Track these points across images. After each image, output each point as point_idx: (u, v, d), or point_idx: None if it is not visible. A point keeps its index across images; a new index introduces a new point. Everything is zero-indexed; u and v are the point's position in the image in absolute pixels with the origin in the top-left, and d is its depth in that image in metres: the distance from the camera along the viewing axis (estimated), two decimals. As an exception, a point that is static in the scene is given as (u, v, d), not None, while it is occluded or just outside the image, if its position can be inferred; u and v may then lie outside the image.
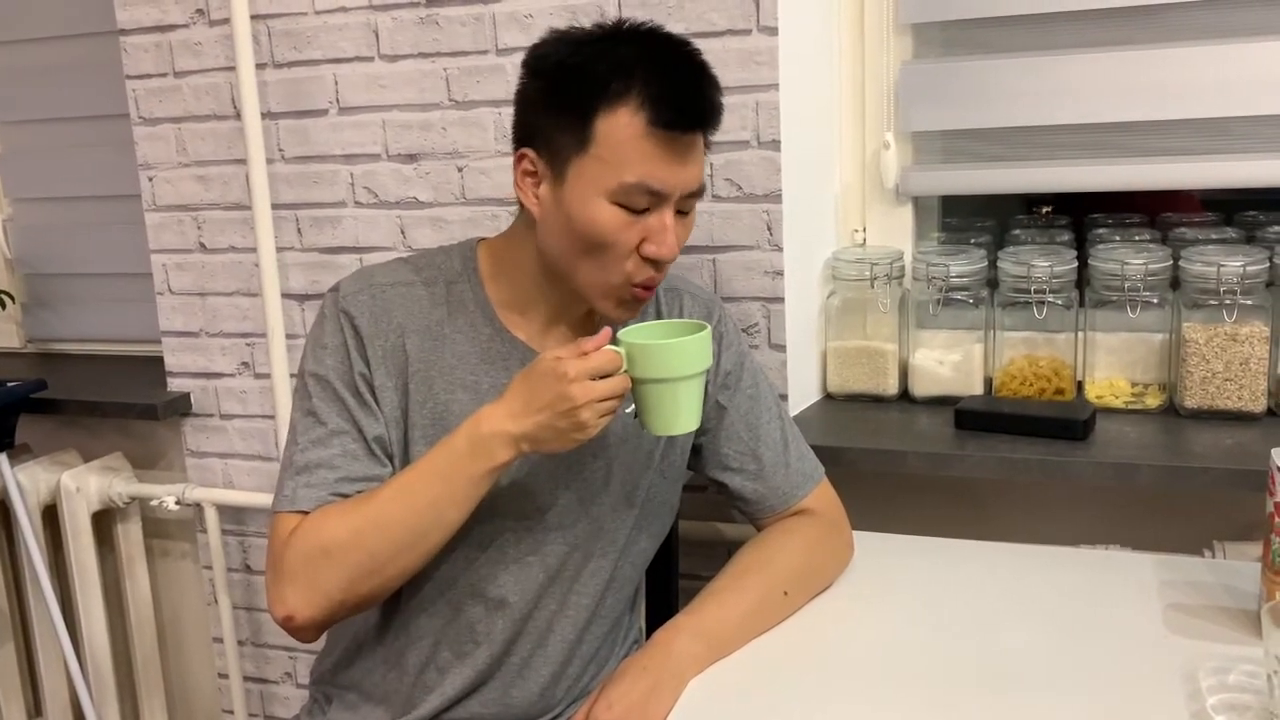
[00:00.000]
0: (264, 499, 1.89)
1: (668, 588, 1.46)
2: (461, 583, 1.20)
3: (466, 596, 1.20)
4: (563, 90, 1.09)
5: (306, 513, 1.12)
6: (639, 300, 1.14)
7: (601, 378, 1.03)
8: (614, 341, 1.06)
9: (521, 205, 1.16)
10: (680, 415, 1.08)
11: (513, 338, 1.19)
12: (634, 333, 1.09)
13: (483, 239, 1.25)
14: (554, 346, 1.20)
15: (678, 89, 1.08)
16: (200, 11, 1.77)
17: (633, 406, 1.24)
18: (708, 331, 1.07)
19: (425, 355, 1.17)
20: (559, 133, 1.09)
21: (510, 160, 1.16)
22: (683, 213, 1.13)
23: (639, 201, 1.08)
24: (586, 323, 1.23)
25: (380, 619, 1.23)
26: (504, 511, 1.19)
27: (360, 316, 1.16)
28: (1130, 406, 1.55)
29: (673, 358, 1.05)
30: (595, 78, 1.07)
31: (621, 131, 1.06)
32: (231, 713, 2.02)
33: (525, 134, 1.13)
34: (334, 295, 1.19)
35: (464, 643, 1.21)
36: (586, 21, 1.15)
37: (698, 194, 1.13)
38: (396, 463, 1.17)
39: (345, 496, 1.13)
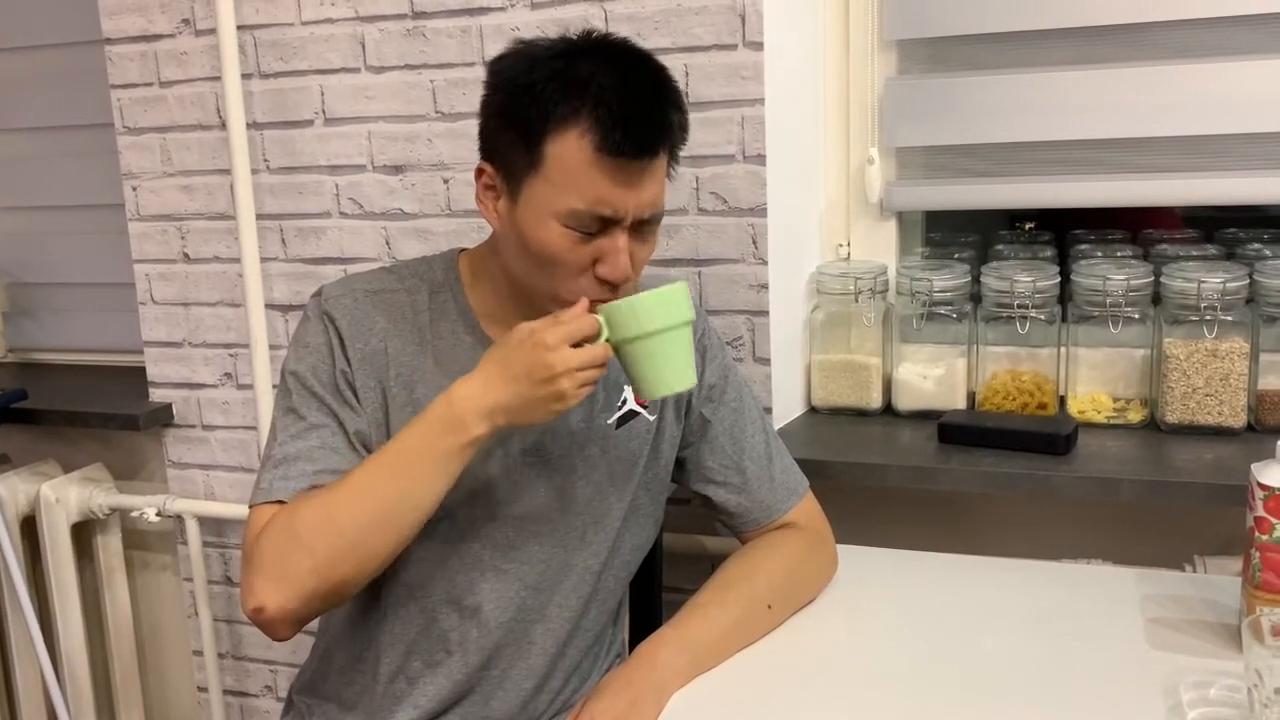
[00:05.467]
0: (245, 511, 1.87)
1: (651, 601, 1.45)
2: (437, 590, 1.19)
3: (441, 604, 1.19)
4: (515, 110, 1.07)
5: (283, 503, 1.10)
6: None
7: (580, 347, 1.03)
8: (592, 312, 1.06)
9: None
10: (667, 371, 1.05)
11: None
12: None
13: (464, 249, 1.25)
14: None
15: (628, 114, 1.04)
16: (186, 21, 1.77)
17: (615, 416, 1.24)
18: (683, 284, 1.06)
19: (408, 359, 1.17)
20: (512, 151, 1.08)
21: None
22: (642, 234, 1.11)
23: (590, 225, 1.07)
24: None
25: (354, 626, 1.23)
26: (483, 518, 1.18)
27: (342, 318, 1.16)
28: (1112, 421, 1.56)
29: (647, 309, 1.04)
30: (545, 100, 1.05)
31: (570, 156, 1.05)
32: (211, 726, 2.01)
33: (485, 148, 1.13)
34: (317, 299, 1.19)
35: (435, 652, 1.20)
36: (573, 35, 1.12)
37: (655, 217, 1.11)
38: None
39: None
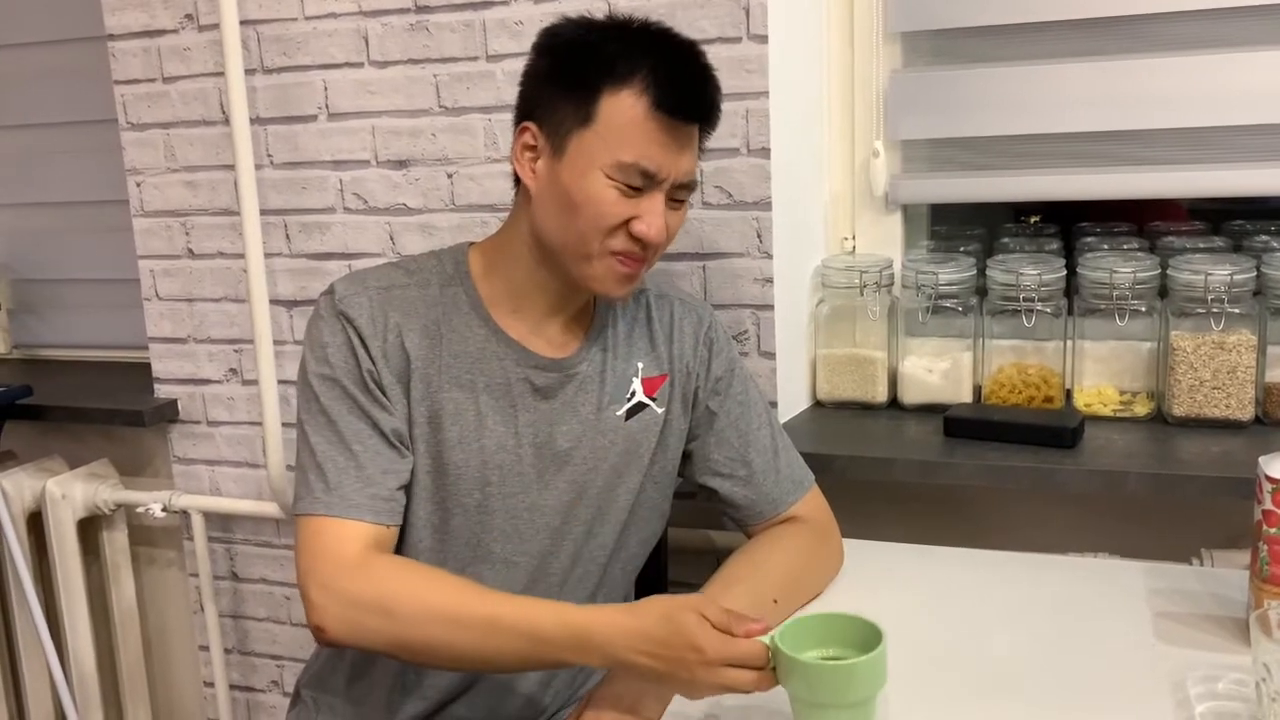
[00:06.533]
0: (251, 506, 1.89)
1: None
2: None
3: None
4: (571, 66, 1.12)
5: (342, 520, 1.09)
6: (626, 274, 1.14)
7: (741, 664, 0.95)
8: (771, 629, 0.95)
9: (516, 186, 1.17)
10: None
11: (507, 337, 1.19)
12: (792, 632, 0.95)
13: (473, 243, 1.25)
14: (545, 346, 1.20)
15: (683, 78, 1.11)
16: (189, 16, 1.76)
17: (624, 408, 1.23)
18: (881, 650, 0.90)
19: (424, 354, 1.17)
20: (563, 106, 1.11)
21: (501, 167, 1.16)
22: (676, 202, 1.15)
23: (634, 180, 1.10)
24: (582, 318, 1.23)
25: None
26: (493, 510, 1.18)
27: (359, 317, 1.15)
28: (1118, 414, 1.56)
29: (827, 682, 0.90)
30: (604, 56, 1.10)
31: (625, 112, 1.09)
32: (217, 721, 2.01)
33: (528, 108, 1.15)
34: (329, 298, 1.17)
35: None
36: (620, 16, 1.17)
37: (690, 186, 1.15)
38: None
39: (382, 498, 1.11)
